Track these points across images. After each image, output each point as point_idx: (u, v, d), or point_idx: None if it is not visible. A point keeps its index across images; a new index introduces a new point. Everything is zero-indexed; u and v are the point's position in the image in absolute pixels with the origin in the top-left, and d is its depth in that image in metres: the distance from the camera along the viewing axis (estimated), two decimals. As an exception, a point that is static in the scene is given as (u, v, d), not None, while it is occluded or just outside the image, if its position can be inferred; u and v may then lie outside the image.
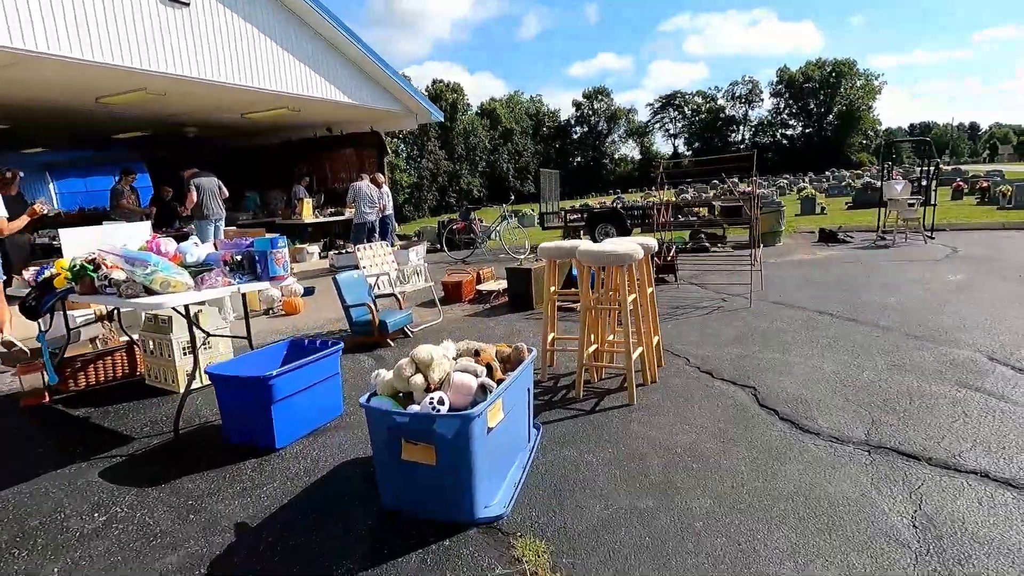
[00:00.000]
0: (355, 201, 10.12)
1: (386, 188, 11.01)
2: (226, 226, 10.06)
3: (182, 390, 4.26)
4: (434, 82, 46.73)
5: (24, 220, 5.77)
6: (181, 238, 10.88)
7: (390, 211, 11.12)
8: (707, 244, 10.48)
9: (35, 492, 2.81)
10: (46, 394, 4.26)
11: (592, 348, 3.81)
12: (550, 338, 4.15)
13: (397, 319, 5.30)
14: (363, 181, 10.27)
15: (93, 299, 3.33)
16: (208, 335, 3.97)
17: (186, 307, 3.41)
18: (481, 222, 12.74)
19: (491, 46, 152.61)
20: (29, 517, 2.58)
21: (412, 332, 5.66)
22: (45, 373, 4.38)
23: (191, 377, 3.39)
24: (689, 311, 5.90)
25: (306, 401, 3.25)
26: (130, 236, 7.35)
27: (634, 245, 3.55)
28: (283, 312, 7.14)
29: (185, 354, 4.16)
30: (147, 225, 8.49)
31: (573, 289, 6.62)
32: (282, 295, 7.44)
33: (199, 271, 3.39)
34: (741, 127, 65.26)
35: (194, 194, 9.14)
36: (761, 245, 6.08)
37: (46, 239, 9.50)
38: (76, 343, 4.60)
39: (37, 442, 3.45)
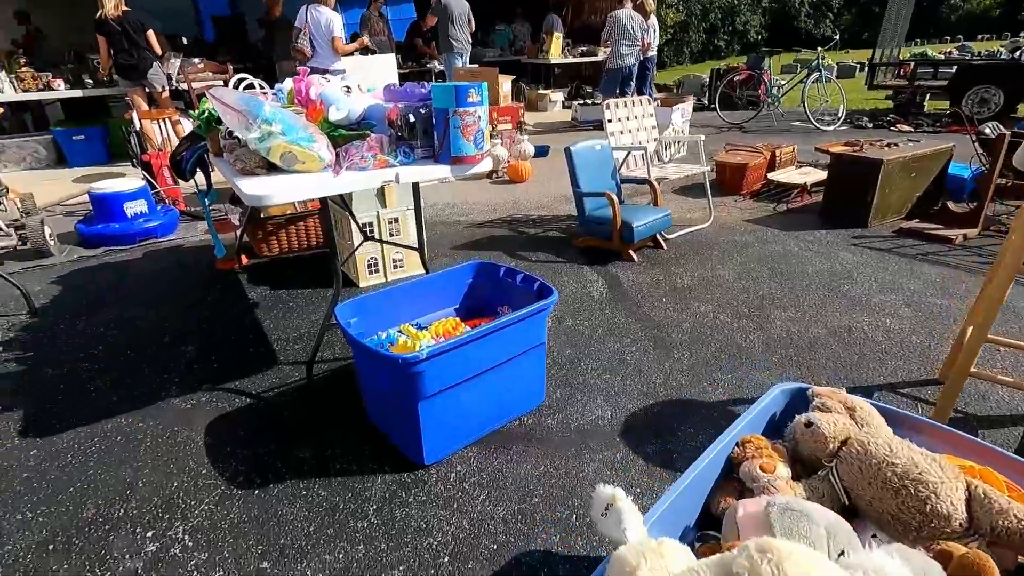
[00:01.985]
0: (611, 37, 7.89)
1: (653, 20, 8.42)
2: (470, 63, 8.90)
3: (361, 284, 3.33)
4: None
5: (355, 47, 5.42)
6: (423, 75, 10.13)
7: (653, 52, 8.62)
8: None
9: (115, 437, 2.06)
10: (241, 258, 3.73)
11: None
12: (971, 344, 1.98)
13: (649, 223, 3.52)
14: (624, 8, 7.87)
15: (218, 164, 2.29)
16: (367, 237, 2.77)
17: (323, 201, 2.15)
18: (769, 72, 9.39)
19: None
20: (87, 500, 1.81)
21: (666, 240, 3.85)
22: (236, 234, 3.85)
23: (334, 301, 2.23)
24: None
25: (482, 391, 1.86)
26: (375, 70, 6.51)
27: None
28: (507, 178, 5.86)
29: (367, 238, 3.07)
30: (391, 58, 7.63)
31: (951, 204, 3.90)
32: (509, 155, 6.13)
33: (349, 137, 2.04)
34: None
35: (433, 19, 7.99)
36: None
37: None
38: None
39: (187, 339, 2.81)
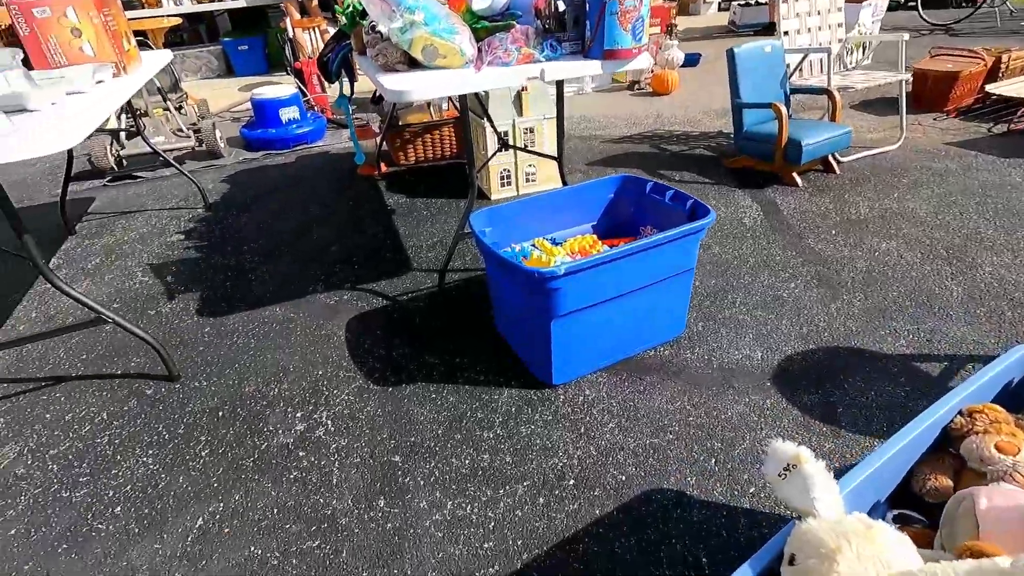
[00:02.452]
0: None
1: None
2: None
3: (493, 197, 3.26)
4: None
5: None
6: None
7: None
8: None
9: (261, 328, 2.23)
10: (380, 166, 3.81)
11: None
12: None
13: (822, 141, 2.99)
14: None
15: (361, 62, 2.24)
16: (504, 144, 2.61)
17: (462, 99, 2.03)
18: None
19: None
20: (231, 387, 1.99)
21: (839, 163, 3.29)
22: (376, 141, 3.92)
23: (468, 209, 2.16)
24: None
25: (619, 315, 1.72)
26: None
27: None
28: (649, 89, 5.35)
29: (504, 145, 2.95)
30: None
31: None
32: (655, 63, 5.55)
33: (491, 29, 1.86)
34: None
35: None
36: None
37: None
38: (412, 107, 3.92)
39: (332, 239, 2.95)
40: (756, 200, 2.98)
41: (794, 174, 3.09)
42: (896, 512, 0.97)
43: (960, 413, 0.96)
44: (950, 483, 0.93)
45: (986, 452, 0.89)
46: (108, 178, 3.91)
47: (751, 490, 1.42)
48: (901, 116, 3.56)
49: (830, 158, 3.21)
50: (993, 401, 1.00)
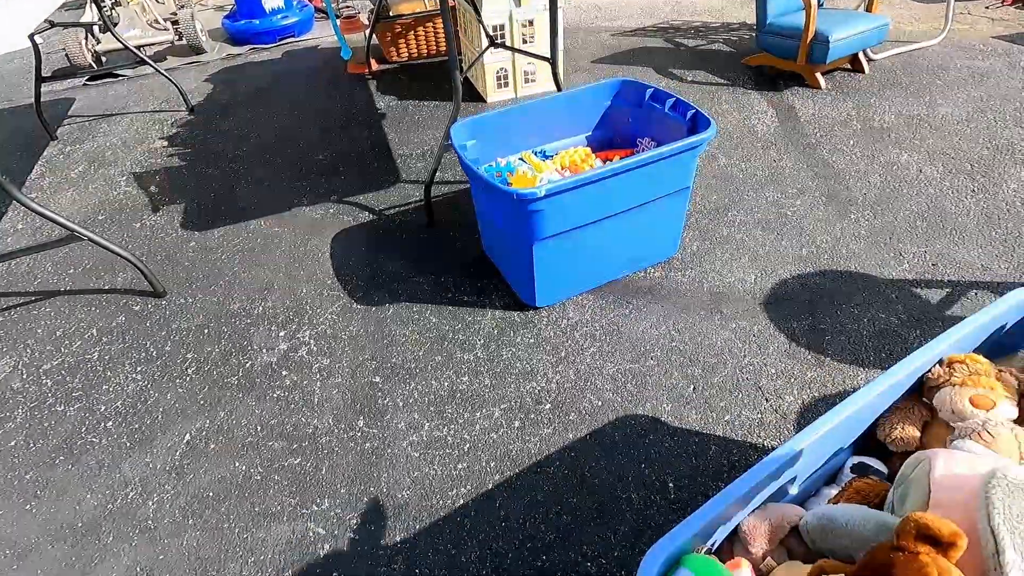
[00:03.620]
0: None
1: None
2: None
3: (489, 99, 3.04)
4: None
5: None
6: None
7: None
8: None
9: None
10: (371, 63, 3.55)
11: None
12: None
13: (852, 36, 2.70)
14: None
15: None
16: (493, 43, 2.37)
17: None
18: None
19: None
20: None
21: (870, 61, 2.99)
22: (364, 35, 3.62)
23: (452, 119, 2.00)
24: None
25: (607, 236, 1.64)
26: None
27: None
28: (671, -29, 4.80)
29: (493, 44, 2.70)
30: None
31: None
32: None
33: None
34: None
35: None
36: None
37: None
38: (401, -5, 3.58)
39: (319, 147, 2.82)
40: (772, 104, 2.75)
41: (818, 75, 2.82)
42: (856, 460, 0.95)
43: (940, 362, 0.90)
44: (917, 434, 0.90)
45: (959, 405, 0.84)
46: (87, 77, 3.71)
47: (726, 417, 1.42)
48: (948, 2, 3.17)
49: (860, 56, 2.91)
50: (984, 347, 0.94)
